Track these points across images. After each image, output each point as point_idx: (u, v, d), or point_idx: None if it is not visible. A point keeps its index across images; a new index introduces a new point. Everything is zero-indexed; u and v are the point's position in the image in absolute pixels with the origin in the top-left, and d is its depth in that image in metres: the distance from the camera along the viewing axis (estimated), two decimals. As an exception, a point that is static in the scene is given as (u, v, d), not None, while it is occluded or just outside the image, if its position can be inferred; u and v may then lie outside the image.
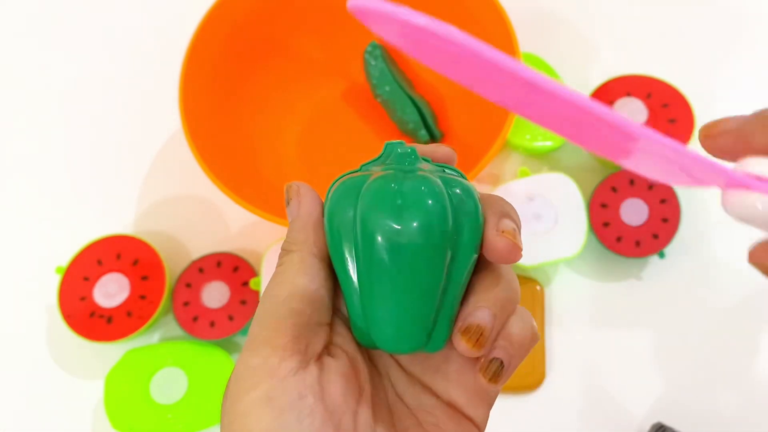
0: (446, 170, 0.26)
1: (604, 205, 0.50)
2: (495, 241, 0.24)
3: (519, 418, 0.49)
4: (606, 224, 0.50)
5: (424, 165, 0.25)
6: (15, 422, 0.52)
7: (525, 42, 0.48)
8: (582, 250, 0.49)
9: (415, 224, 0.23)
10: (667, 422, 0.47)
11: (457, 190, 0.24)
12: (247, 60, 0.55)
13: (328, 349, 0.24)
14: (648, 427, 0.47)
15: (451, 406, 0.26)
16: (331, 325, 0.25)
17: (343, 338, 0.25)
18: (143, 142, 0.59)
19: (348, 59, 0.58)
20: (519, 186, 0.51)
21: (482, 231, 0.24)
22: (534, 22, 0.61)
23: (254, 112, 0.55)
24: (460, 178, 0.25)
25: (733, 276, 0.52)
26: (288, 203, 0.26)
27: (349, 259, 0.24)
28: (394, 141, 0.26)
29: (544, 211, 0.50)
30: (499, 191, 0.51)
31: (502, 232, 0.24)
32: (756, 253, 0.22)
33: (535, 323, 0.25)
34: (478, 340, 0.23)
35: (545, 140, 0.53)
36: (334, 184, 0.26)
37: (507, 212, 0.24)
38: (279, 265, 0.25)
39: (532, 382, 0.48)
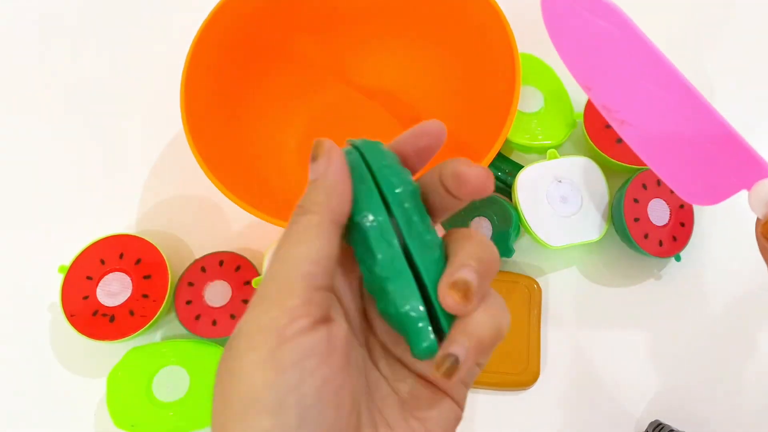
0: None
1: (636, 200, 0.51)
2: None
3: (513, 415, 0.49)
4: (636, 219, 0.50)
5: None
6: (17, 420, 0.52)
7: (523, 43, 0.49)
8: (604, 234, 0.50)
9: None
10: (666, 420, 0.47)
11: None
12: (248, 62, 0.55)
13: (330, 315, 0.24)
14: (646, 425, 0.48)
15: (423, 377, 0.26)
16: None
17: (339, 307, 0.25)
18: (146, 143, 0.60)
19: (348, 60, 0.58)
20: (548, 167, 0.52)
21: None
22: (532, 22, 0.61)
23: (255, 113, 0.56)
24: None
25: (732, 280, 0.53)
26: (314, 159, 0.25)
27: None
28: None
29: (571, 194, 0.51)
30: (529, 170, 0.51)
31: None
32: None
33: (505, 320, 0.24)
34: (465, 293, 0.23)
35: (545, 139, 0.54)
36: None
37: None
38: (294, 223, 0.24)
39: (527, 379, 0.48)
